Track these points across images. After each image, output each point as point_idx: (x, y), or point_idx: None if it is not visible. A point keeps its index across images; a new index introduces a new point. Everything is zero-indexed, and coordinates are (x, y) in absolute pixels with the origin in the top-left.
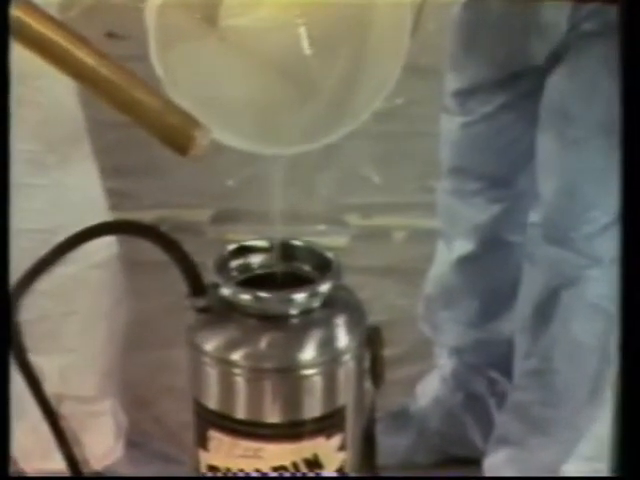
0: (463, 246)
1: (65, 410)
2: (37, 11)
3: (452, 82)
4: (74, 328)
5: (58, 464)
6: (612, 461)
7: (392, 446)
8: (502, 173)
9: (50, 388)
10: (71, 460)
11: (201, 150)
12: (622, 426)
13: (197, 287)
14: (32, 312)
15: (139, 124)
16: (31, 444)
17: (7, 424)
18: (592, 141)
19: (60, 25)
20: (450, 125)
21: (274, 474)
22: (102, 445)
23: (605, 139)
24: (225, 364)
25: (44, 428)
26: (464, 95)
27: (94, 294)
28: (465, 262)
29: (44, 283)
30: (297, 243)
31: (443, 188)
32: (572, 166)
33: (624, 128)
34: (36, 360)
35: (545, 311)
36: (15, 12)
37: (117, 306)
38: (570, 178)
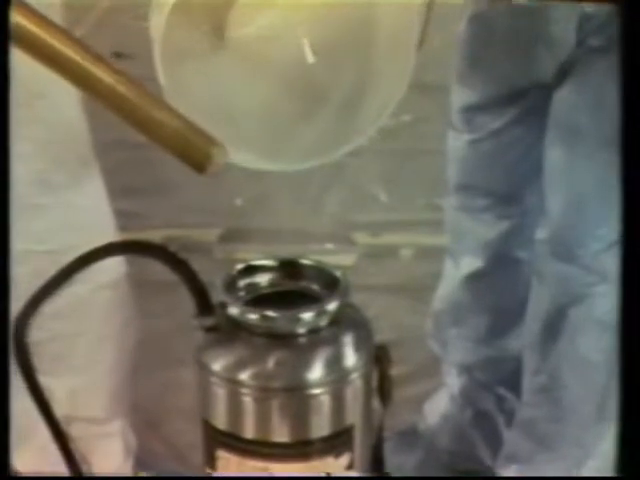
0: (471, 263)
1: (74, 432)
2: (54, 28)
3: (459, 99)
4: (84, 349)
5: None
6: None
7: (401, 464)
8: (510, 189)
9: (59, 410)
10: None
11: (218, 168)
12: (622, 427)
13: (205, 306)
14: (42, 333)
15: (155, 141)
16: (40, 465)
17: (7, 425)
18: (600, 157)
19: (77, 42)
20: (457, 142)
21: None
22: (111, 466)
23: (613, 155)
24: (233, 384)
25: (53, 449)
26: (471, 112)
27: (103, 315)
28: (473, 279)
29: (53, 304)
30: (304, 262)
31: (451, 205)
32: (580, 182)
33: (624, 142)
34: (46, 381)
35: (553, 328)
36: (33, 29)
37: (126, 326)
38: (578, 194)
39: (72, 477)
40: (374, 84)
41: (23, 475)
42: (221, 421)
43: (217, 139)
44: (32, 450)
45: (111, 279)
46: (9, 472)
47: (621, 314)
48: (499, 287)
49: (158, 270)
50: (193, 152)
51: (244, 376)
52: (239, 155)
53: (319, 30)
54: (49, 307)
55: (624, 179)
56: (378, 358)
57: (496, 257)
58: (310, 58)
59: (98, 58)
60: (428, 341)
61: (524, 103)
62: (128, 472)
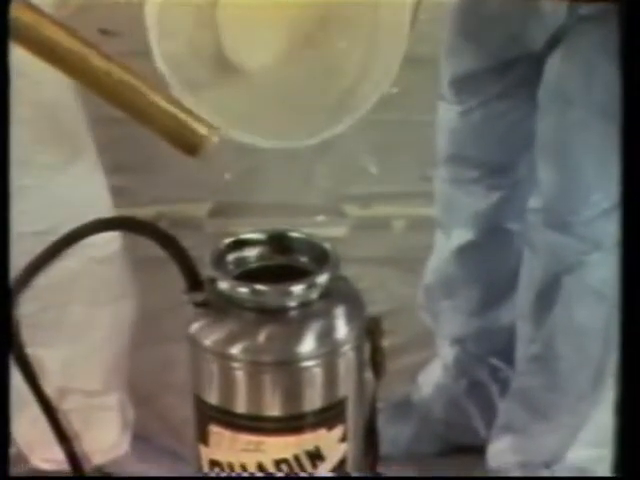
0: (462, 235)
1: (70, 403)
2: (44, 16)
3: (448, 70)
4: (74, 319)
5: (62, 454)
6: (614, 448)
7: (395, 436)
8: (501, 160)
9: (54, 381)
10: (70, 452)
11: (209, 150)
12: (622, 427)
13: (194, 282)
14: (33, 304)
15: (148, 126)
16: (34, 435)
17: (7, 425)
18: (592, 125)
19: (68, 30)
20: (447, 113)
21: (274, 470)
22: (107, 439)
23: (605, 122)
24: (224, 358)
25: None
26: (461, 83)
27: (95, 288)
28: (464, 251)
29: (45, 276)
30: (294, 235)
31: (441, 177)
32: (572, 150)
33: (624, 113)
34: (38, 352)
35: (547, 297)
36: (23, 18)
37: (120, 301)
38: (570, 162)
39: (73, 477)
40: (374, 56)
41: (23, 475)
42: (213, 396)
43: (208, 122)
44: (26, 421)
45: (105, 254)
46: (9, 472)
47: (622, 283)
48: (490, 259)
49: (148, 247)
50: (186, 136)
51: (235, 351)
52: (247, 136)
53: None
54: (41, 279)
55: (624, 148)
56: (370, 330)
57: (487, 229)
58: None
59: (91, 45)
60: (420, 313)
61: (514, 73)
62: (126, 445)
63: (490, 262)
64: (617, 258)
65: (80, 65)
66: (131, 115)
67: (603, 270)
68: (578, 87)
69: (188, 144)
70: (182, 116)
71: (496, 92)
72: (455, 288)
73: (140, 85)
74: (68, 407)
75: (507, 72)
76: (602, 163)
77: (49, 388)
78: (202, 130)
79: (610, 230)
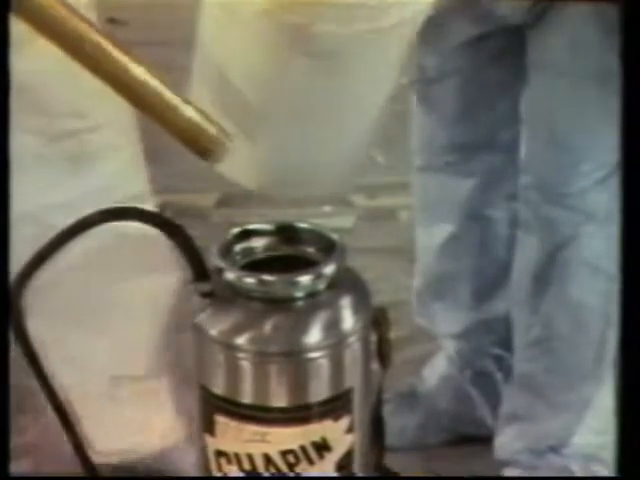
0: (443, 229)
1: (123, 391)
2: (71, 11)
3: (423, 50)
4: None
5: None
6: (615, 448)
7: (401, 427)
8: (475, 141)
9: (104, 369)
10: (79, 448)
11: (223, 154)
12: (622, 427)
13: (201, 272)
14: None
15: (164, 126)
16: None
17: (6, 424)
18: (583, 95)
19: (93, 26)
20: (421, 95)
21: (280, 461)
22: (161, 425)
23: (595, 90)
24: (230, 348)
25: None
26: (436, 60)
27: (133, 264)
28: (448, 246)
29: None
30: (300, 225)
31: (416, 166)
32: (562, 121)
33: (624, 87)
34: (86, 340)
35: (542, 277)
36: (53, 12)
37: (160, 277)
38: (560, 133)
39: (73, 477)
40: None
41: (23, 475)
42: (219, 386)
43: (221, 125)
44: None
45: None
46: (8, 472)
47: (622, 255)
48: (475, 250)
49: None
50: (200, 139)
51: (241, 341)
52: None
53: None
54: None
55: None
56: (377, 321)
57: (467, 218)
58: None
59: (114, 42)
60: (416, 318)
61: (488, 48)
62: (181, 430)
63: (475, 253)
64: (610, 230)
65: (99, 59)
66: (144, 112)
67: (597, 242)
68: (567, 58)
69: (202, 147)
70: (197, 118)
71: (470, 67)
72: (445, 287)
73: (156, 84)
74: (121, 395)
75: (481, 47)
76: (592, 133)
77: (101, 379)
78: (216, 134)
79: (603, 201)
